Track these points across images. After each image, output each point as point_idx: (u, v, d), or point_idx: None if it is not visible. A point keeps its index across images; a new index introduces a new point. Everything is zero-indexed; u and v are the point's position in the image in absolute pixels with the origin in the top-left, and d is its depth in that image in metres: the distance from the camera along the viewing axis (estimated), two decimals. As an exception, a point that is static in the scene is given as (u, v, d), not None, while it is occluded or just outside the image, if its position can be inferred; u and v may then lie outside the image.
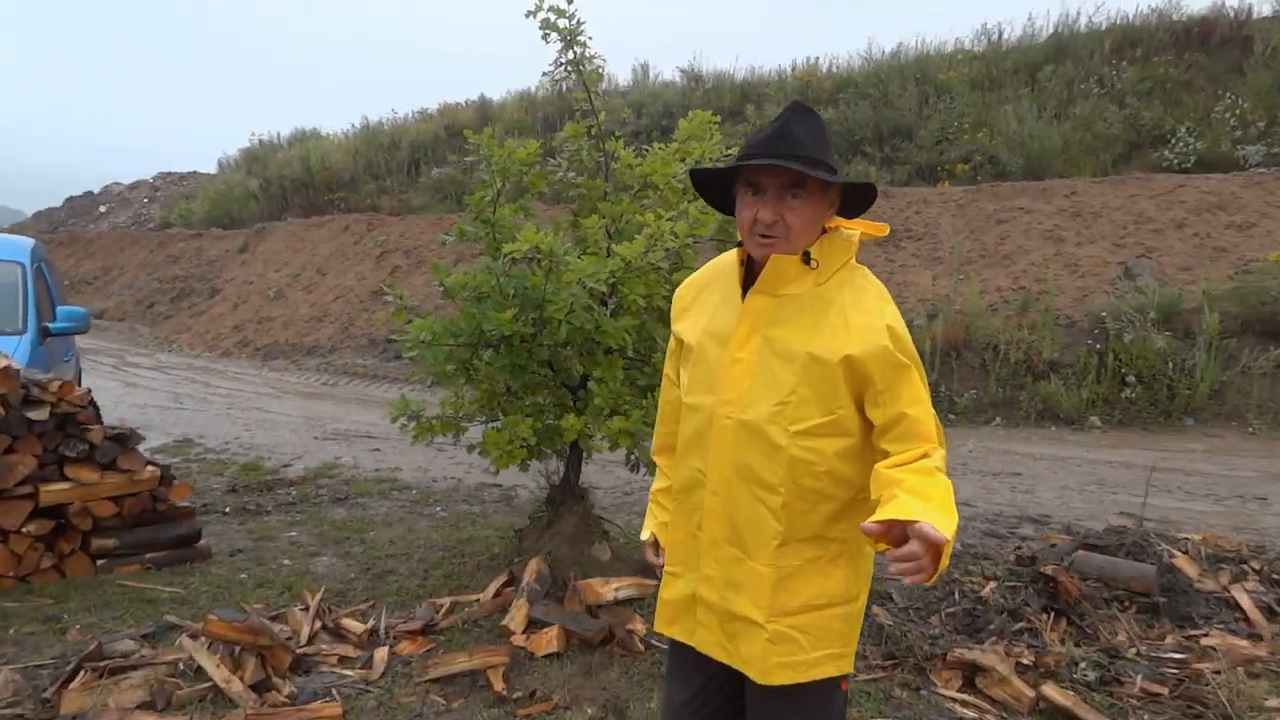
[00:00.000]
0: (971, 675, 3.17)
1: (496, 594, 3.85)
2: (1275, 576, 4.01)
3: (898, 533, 1.53)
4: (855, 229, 1.87)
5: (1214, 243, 10.38)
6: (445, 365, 3.56)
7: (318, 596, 3.85)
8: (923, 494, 1.61)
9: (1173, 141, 11.97)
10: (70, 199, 28.66)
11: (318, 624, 3.62)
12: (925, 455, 1.70)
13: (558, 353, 3.74)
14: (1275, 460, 7.24)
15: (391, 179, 18.49)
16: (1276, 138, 11.60)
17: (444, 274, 3.58)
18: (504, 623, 3.53)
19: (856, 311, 1.75)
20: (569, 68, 3.97)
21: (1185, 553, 3.97)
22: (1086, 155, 12.38)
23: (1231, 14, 13.98)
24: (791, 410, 1.76)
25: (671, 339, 2.08)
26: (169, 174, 28.27)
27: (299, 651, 3.38)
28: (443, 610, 3.79)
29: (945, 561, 1.51)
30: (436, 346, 3.47)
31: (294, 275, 16.52)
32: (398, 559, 4.67)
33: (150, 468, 4.50)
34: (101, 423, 4.46)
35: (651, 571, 2.14)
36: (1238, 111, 11.91)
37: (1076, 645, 3.32)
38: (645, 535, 2.11)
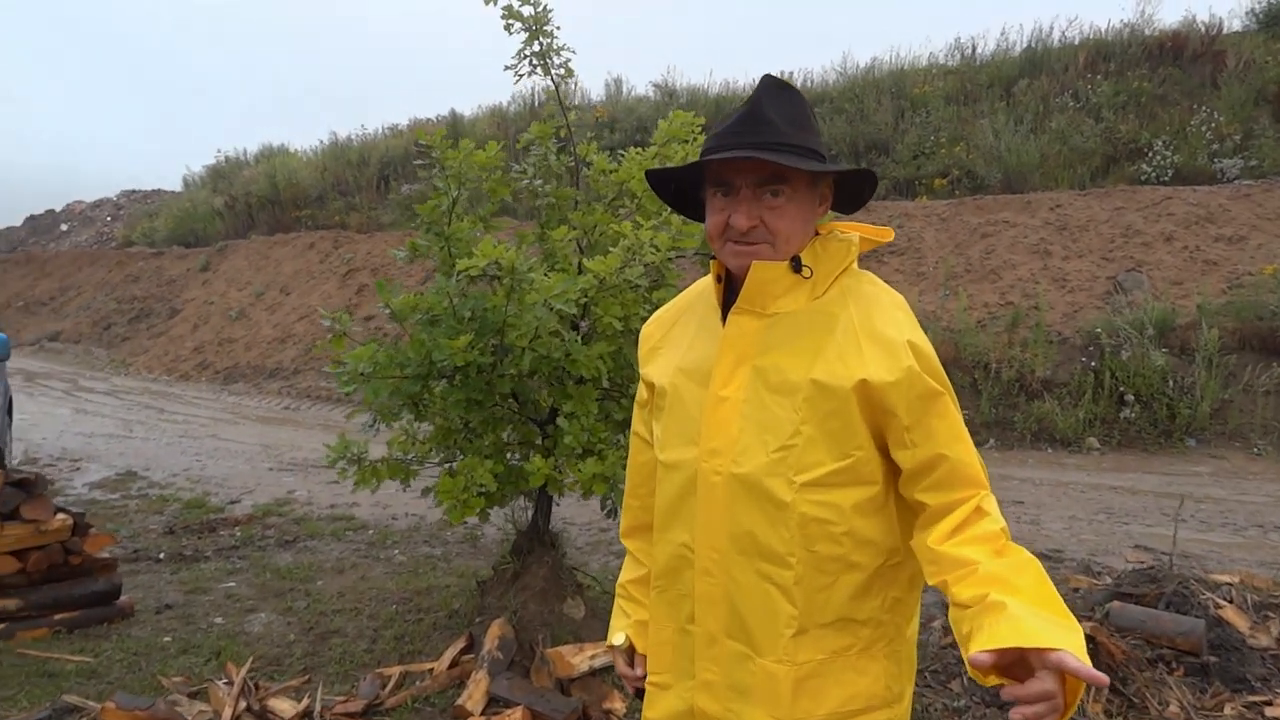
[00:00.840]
0: (1008, 761, 2.71)
1: (453, 663, 3.34)
2: (1327, 626, 3.60)
3: (1011, 657, 1.13)
4: (852, 232, 1.46)
5: (1204, 256, 10.09)
6: (390, 401, 3.07)
7: (244, 669, 3.32)
8: (1025, 592, 1.20)
9: (1150, 155, 11.77)
10: (31, 217, 27.88)
11: (242, 704, 3.09)
12: (979, 510, 1.32)
13: (522, 384, 3.26)
14: (1286, 484, 6.89)
15: (360, 196, 17.96)
16: (1253, 151, 11.42)
17: (390, 294, 3.09)
18: (460, 701, 3.02)
19: (869, 326, 1.36)
20: (534, 61, 3.51)
21: (1231, 601, 3.54)
22: (1064, 169, 12.18)
23: (1202, 29, 13.95)
24: (797, 456, 1.35)
25: (640, 387, 1.64)
26: (133, 192, 27.60)
27: (216, 741, 2.86)
28: (390, 683, 3.28)
29: (1080, 693, 1.11)
30: (379, 379, 2.98)
31: (257, 294, 15.92)
32: (345, 615, 4.14)
33: (61, 516, 3.96)
34: (3, 466, 3.91)
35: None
36: (1213, 125, 11.74)
37: (1123, 718, 2.87)
38: (616, 639, 1.64)
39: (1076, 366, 8.83)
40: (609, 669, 3.19)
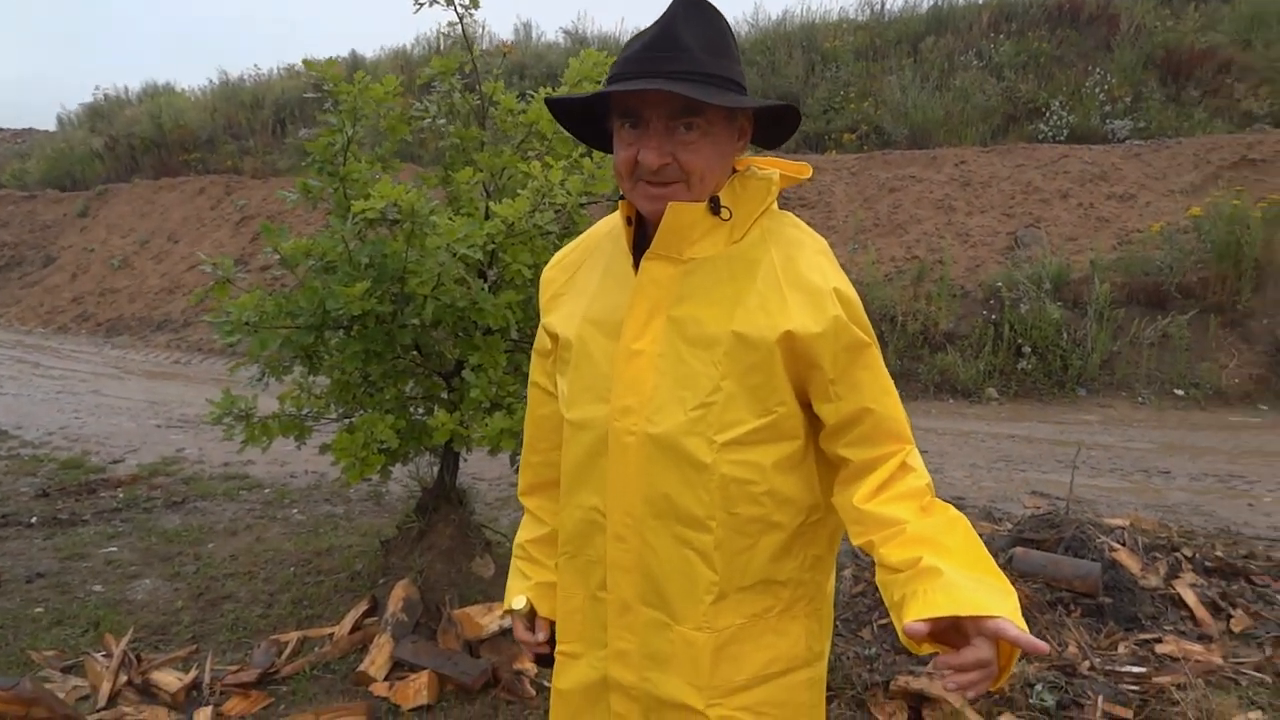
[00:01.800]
0: (918, 706, 2.74)
1: (355, 627, 3.19)
2: (1209, 565, 3.78)
3: (946, 624, 1.10)
4: (771, 169, 1.35)
5: (1097, 213, 10.46)
6: (279, 353, 2.85)
7: (124, 640, 3.10)
8: (955, 553, 1.16)
9: (1047, 114, 12.09)
10: (-119, 157, 25.49)
11: (122, 678, 2.89)
12: (904, 466, 1.28)
13: (425, 334, 3.09)
14: (1167, 431, 7.25)
15: (254, 139, 17.00)
16: (1142, 113, 11.85)
17: (279, 239, 2.86)
18: (362, 667, 2.89)
19: (792, 272, 1.27)
20: (435, -12, 3.27)
21: (1124, 544, 3.68)
22: (967, 126, 12.44)
23: (1098, -8, 14.35)
24: (717, 414, 1.26)
25: (539, 335, 1.51)
26: (1, 130, 25.52)
27: (93, 720, 2.66)
28: (287, 650, 3.11)
29: (1015, 658, 1.11)
30: (267, 330, 2.76)
31: (142, 242, 14.99)
32: (238, 580, 3.93)
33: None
34: None
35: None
36: (1106, 87, 12.12)
37: (1028, 661, 2.94)
38: (516, 603, 1.53)
39: (978, 319, 9.07)
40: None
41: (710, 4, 1.26)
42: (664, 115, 1.23)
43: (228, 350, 11.53)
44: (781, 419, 1.29)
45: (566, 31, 17.38)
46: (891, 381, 1.32)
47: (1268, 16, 12.33)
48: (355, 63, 18.90)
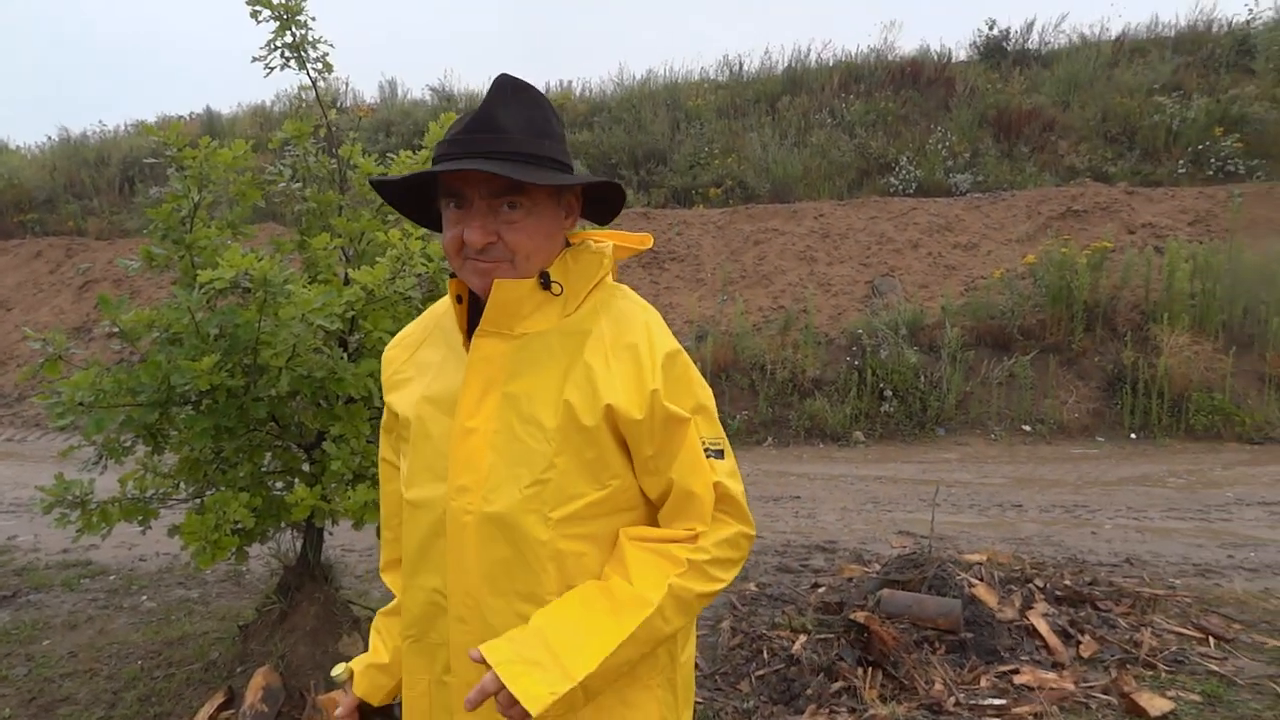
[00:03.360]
0: (795, 757, 2.77)
1: (209, 723, 2.98)
2: (1059, 593, 4.00)
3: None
4: (606, 240, 1.39)
5: (945, 261, 11.15)
6: (119, 433, 2.67)
7: (-59, 760, 2.79)
8: (557, 615, 1.26)
9: (896, 169, 12.89)
10: None
11: (-64, 805, 2.59)
12: (688, 540, 1.29)
13: (282, 406, 2.96)
14: (1018, 465, 7.70)
15: (100, 199, 16.07)
16: (980, 167, 12.80)
17: (116, 310, 2.70)
18: (217, 767, 2.69)
19: (619, 344, 1.29)
20: (288, 53, 3.21)
21: (981, 579, 3.86)
22: (824, 180, 13.12)
23: (935, 57, 15.54)
24: (553, 491, 1.26)
25: (386, 412, 1.50)
26: None
27: None
28: (132, 755, 2.87)
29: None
30: (104, 409, 2.58)
31: (-30, 311, 13.83)
32: (77, 679, 3.60)
33: None
34: None
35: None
36: (947, 144, 13.04)
37: (898, 702, 3.03)
38: (335, 670, 1.50)
39: (843, 365, 9.45)
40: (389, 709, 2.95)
41: (531, 86, 1.29)
42: (487, 195, 1.25)
43: (68, 428, 10.73)
44: (617, 492, 1.30)
45: (433, 89, 17.35)
46: (721, 461, 1.31)
47: (1081, 80, 13.61)
48: (211, 119, 18.26)
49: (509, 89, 1.26)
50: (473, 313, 1.35)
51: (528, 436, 1.26)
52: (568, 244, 1.36)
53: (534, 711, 1.15)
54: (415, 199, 1.38)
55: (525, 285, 1.28)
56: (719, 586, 1.29)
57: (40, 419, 10.99)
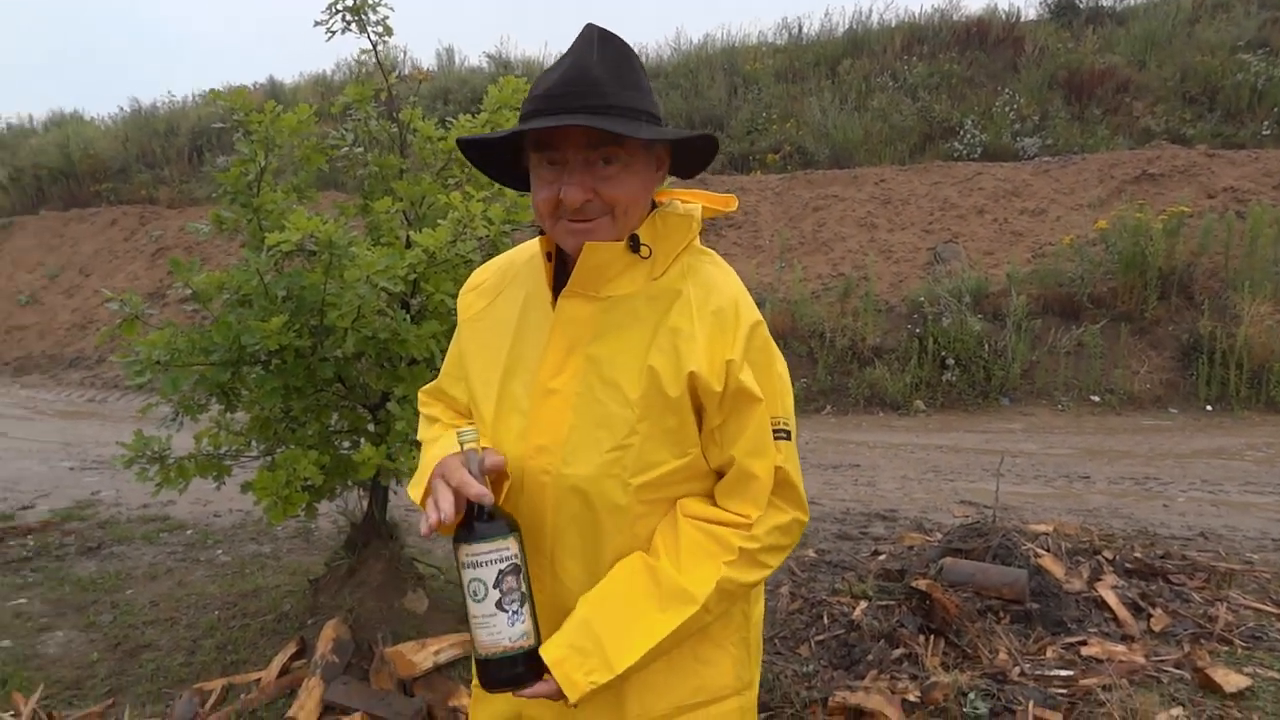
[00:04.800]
0: (855, 721, 2.76)
1: (283, 671, 3.08)
2: (1129, 566, 3.91)
3: None
4: (694, 201, 1.35)
5: (1011, 227, 10.84)
6: (193, 392, 2.76)
7: (34, 698, 2.94)
8: (606, 602, 1.27)
9: (961, 133, 12.52)
10: None
11: (31, 740, 2.73)
12: (739, 523, 1.28)
13: (348, 367, 3.02)
14: (1085, 436, 7.51)
15: (170, 168, 16.51)
16: (1049, 130, 12.36)
17: (189, 272, 2.77)
18: (291, 713, 2.78)
19: (705, 310, 1.26)
20: (348, 16, 3.23)
21: (1048, 550, 3.78)
22: (885, 145, 12.80)
23: (1004, 16, 15.00)
24: (633, 457, 1.24)
25: (451, 350, 1.50)
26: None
27: (-2, 786, 2.51)
28: (211, 699, 2.99)
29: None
30: (179, 368, 2.66)
31: (51, 276, 14.41)
32: (159, 627, 3.77)
33: None
34: None
35: None
36: (1015, 106, 12.61)
37: (960, 670, 2.99)
38: (464, 435, 1.22)
39: (903, 334, 9.29)
40: (454, 664, 3.03)
41: (617, 36, 1.26)
42: (583, 151, 1.22)
43: (145, 387, 11.13)
44: (696, 459, 1.28)
45: (490, 56, 17.35)
46: (787, 444, 1.29)
47: (1159, 38, 13.00)
48: (274, 89, 18.56)
49: (597, 39, 1.23)
50: (558, 271, 1.33)
51: (609, 399, 1.25)
52: (654, 205, 1.34)
53: (572, 699, 1.18)
54: (498, 158, 1.36)
55: (615, 248, 1.26)
56: (767, 573, 1.30)
57: (119, 380, 11.41)
